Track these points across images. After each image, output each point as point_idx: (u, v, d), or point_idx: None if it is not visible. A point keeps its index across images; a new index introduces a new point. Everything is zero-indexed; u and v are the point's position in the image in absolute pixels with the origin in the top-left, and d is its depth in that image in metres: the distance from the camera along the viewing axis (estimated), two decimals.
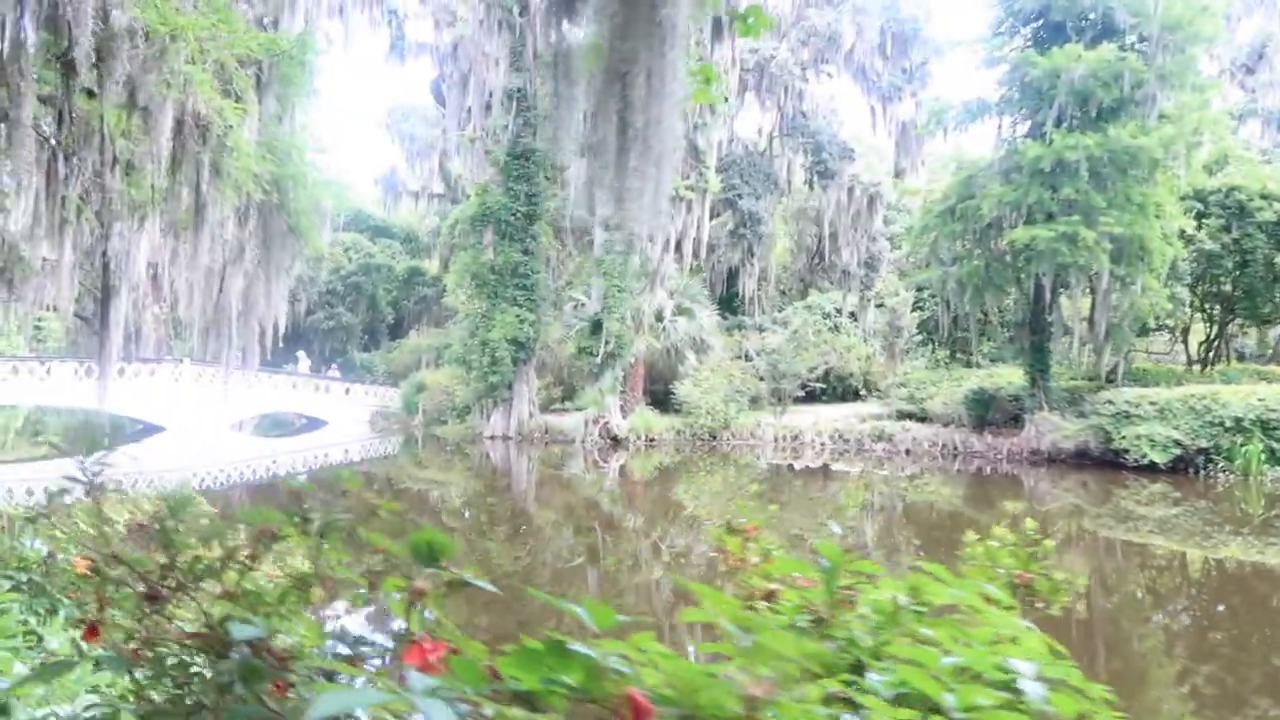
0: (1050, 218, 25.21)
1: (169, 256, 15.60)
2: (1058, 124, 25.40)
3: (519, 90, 32.57)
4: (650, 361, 34.44)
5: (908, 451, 29.43)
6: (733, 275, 45.37)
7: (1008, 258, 27.21)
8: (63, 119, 11.70)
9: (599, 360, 30.92)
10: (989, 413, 29.54)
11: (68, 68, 11.45)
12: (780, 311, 47.42)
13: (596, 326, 31.15)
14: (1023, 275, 27.04)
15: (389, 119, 53.12)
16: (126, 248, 13.58)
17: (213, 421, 35.26)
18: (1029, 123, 27.76)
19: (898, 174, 45.86)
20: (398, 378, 43.38)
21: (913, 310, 36.79)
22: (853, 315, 45.05)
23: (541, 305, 32.73)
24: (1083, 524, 19.94)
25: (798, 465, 28.95)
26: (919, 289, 38.87)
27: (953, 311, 30.54)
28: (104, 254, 13.39)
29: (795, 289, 55.00)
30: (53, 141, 11.85)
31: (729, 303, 43.98)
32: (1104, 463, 25.95)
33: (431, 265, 54.44)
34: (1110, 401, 25.78)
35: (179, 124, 8.85)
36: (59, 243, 12.12)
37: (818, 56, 43.40)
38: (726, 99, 32.49)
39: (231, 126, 8.92)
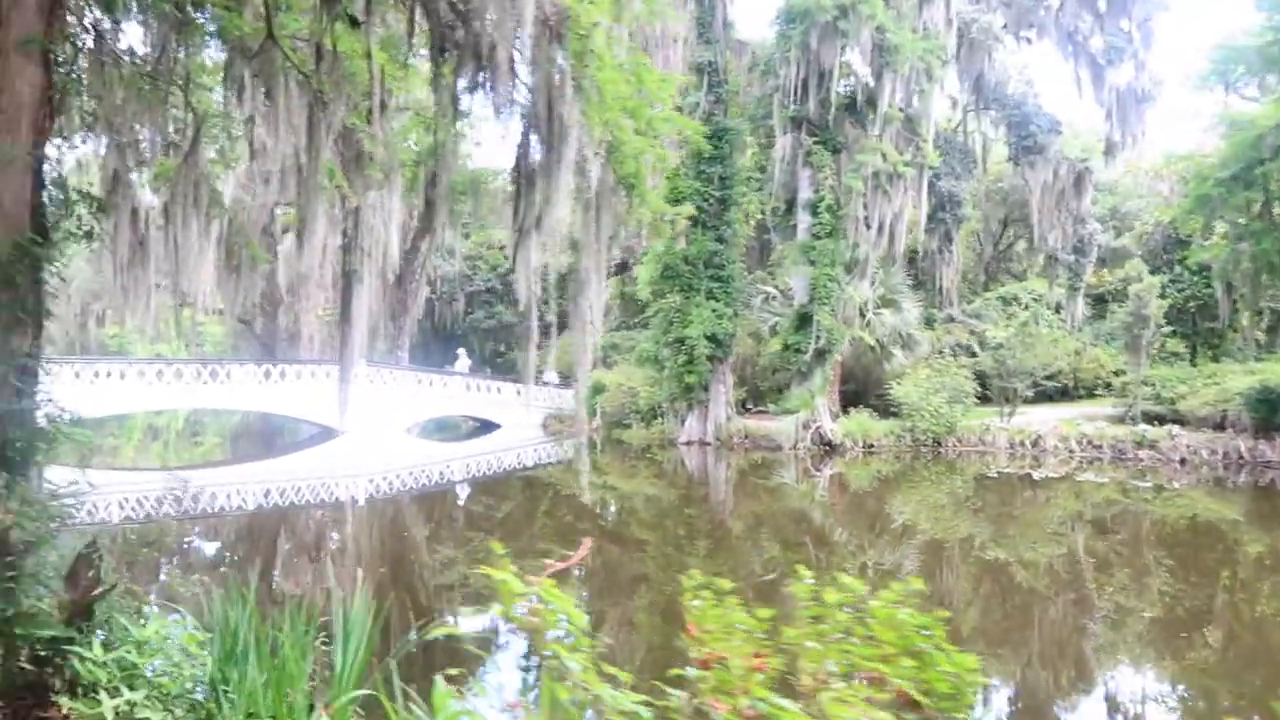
0: None
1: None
2: None
3: (709, 64, 29.67)
4: (844, 358, 31.10)
5: (1182, 461, 25.19)
6: (912, 262, 41.45)
7: None
8: (321, 55, 9.33)
9: (808, 357, 27.76)
10: (1277, 415, 25.04)
11: None
12: (969, 303, 43.31)
13: (804, 320, 28.02)
14: None
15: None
16: (374, 222, 11.24)
17: (387, 425, 33.79)
18: None
19: (1108, 149, 40.90)
20: (564, 379, 41.30)
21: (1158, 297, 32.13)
22: (1057, 306, 40.60)
23: (739, 298, 29.75)
24: None
25: (1037, 474, 25.16)
26: (1153, 271, 34.27)
27: (1233, 296, 26.02)
28: (344, 232, 11.09)
29: (979, 278, 50.54)
30: (313, 83, 9.47)
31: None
32: None
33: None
34: None
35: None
36: (309, 215, 9.75)
37: (1020, 19, 39.09)
38: (943, 62, 28.80)
39: (598, 24, 6.34)
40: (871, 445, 27.99)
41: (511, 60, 6.62)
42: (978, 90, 38.75)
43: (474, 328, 47.16)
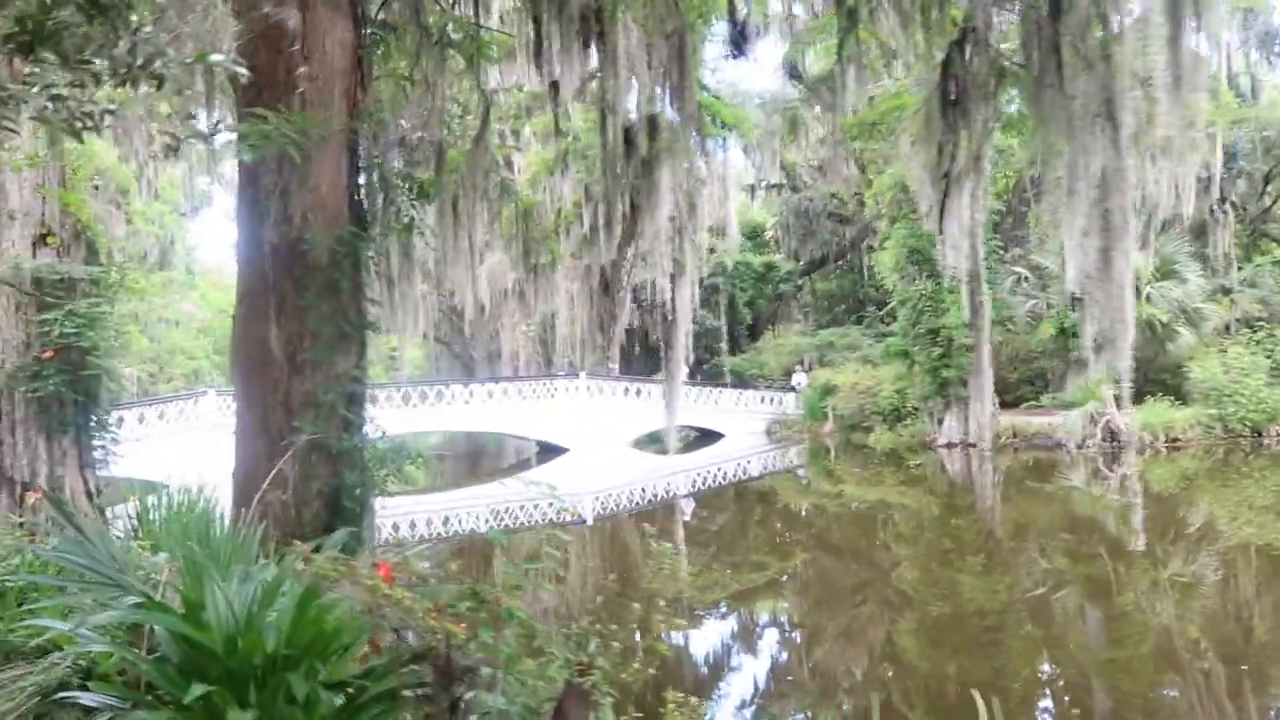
0: None
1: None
2: None
3: None
4: None
5: None
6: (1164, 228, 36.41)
7: None
8: None
9: (1090, 343, 24.16)
10: None
11: None
12: (1240, 270, 37.80)
13: (1081, 300, 24.45)
14: None
15: None
16: (709, 194, 9.26)
17: (609, 439, 32.45)
18: None
19: None
20: (777, 382, 39.06)
21: None
22: None
23: (1000, 280, 26.51)
24: None
25: None
26: None
27: None
28: (674, 221, 9.21)
29: (1242, 239, 44.40)
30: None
31: None
32: None
33: (782, 260, 50.37)
34: None
35: None
36: (652, 184, 7.84)
37: None
38: None
39: None
40: (1175, 439, 24.09)
41: None
42: (1248, 23, 33.74)
43: None
